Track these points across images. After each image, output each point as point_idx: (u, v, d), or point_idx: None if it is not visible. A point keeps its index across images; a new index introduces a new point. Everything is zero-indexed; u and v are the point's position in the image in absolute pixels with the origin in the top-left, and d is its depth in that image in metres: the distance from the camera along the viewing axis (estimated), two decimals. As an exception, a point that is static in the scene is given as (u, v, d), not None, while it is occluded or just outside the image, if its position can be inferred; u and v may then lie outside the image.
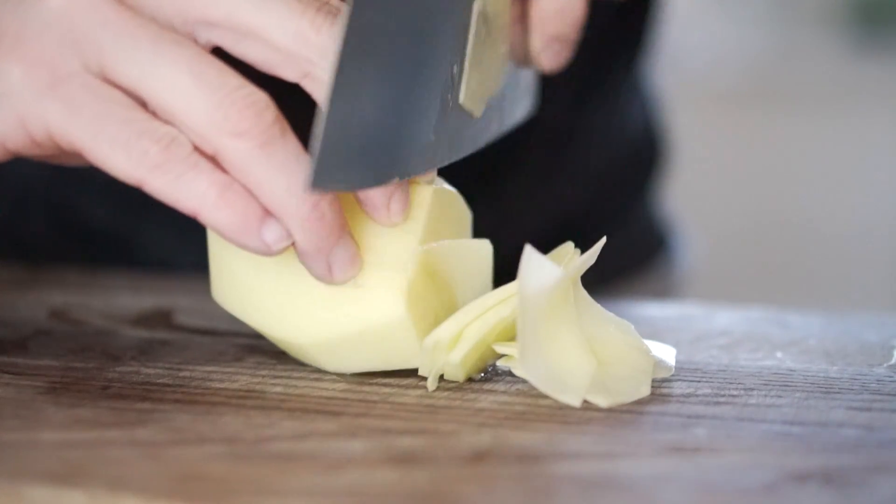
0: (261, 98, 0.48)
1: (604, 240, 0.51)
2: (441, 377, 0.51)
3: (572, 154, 0.82)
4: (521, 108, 0.58)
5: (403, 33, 0.48)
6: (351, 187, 0.49)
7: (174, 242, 0.72)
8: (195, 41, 0.49)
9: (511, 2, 0.55)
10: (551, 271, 0.49)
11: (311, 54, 0.48)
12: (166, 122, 0.48)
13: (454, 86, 0.51)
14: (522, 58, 0.57)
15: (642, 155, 0.88)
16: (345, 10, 0.46)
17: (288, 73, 0.49)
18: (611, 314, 0.52)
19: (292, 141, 0.48)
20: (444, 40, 0.50)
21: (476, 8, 0.52)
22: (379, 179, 0.49)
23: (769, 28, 2.48)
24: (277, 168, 0.47)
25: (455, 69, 0.51)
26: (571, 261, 0.51)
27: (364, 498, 0.40)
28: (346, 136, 0.47)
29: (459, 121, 0.52)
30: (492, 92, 0.54)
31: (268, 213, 0.48)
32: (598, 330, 0.51)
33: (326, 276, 0.50)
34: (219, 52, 0.49)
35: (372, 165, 0.48)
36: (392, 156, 0.49)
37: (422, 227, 0.51)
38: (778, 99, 2.41)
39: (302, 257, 0.49)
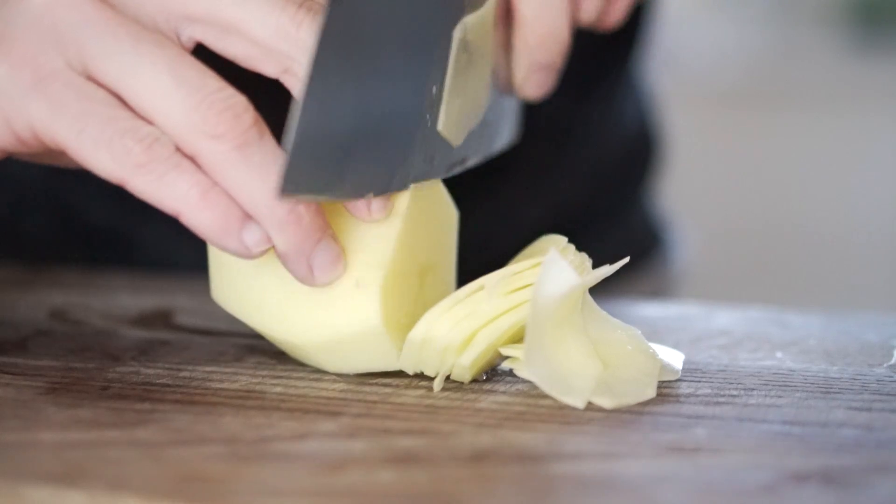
0: (239, 101, 0.48)
1: (626, 259, 0.51)
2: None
3: (569, 151, 0.83)
4: (503, 135, 0.58)
5: (378, 49, 0.48)
6: (322, 198, 0.48)
7: (174, 241, 0.72)
8: (178, 40, 0.49)
9: (495, 29, 0.55)
10: (569, 278, 0.49)
11: (291, 50, 0.48)
12: (148, 121, 0.48)
13: (433, 107, 0.51)
14: (506, 85, 0.57)
15: (638, 152, 0.89)
16: (317, 28, 0.46)
17: (268, 69, 0.49)
18: (617, 321, 0.52)
19: (270, 144, 0.48)
20: (423, 61, 0.50)
21: (457, 35, 0.52)
22: (352, 193, 0.49)
23: (769, 28, 2.48)
24: (254, 171, 0.47)
25: (434, 90, 0.51)
26: (583, 268, 0.51)
27: (364, 498, 0.40)
28: (317, 146, 0.47)
29: (438, 143, 0.52)
30: (472, 120, 0.54)
31: (249, 215, 0.48)
32: (604, 334, 0.51)
33: (308, 277, 0.50)
34: (204, 55, 0.49)
35: (345, 178, 0.48)
36: (366, 170, 0.49)
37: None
38: (777, 99, 2.41)
39: (282, 259, 0.49)
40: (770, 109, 2.40)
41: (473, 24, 0.53)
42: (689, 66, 2.33)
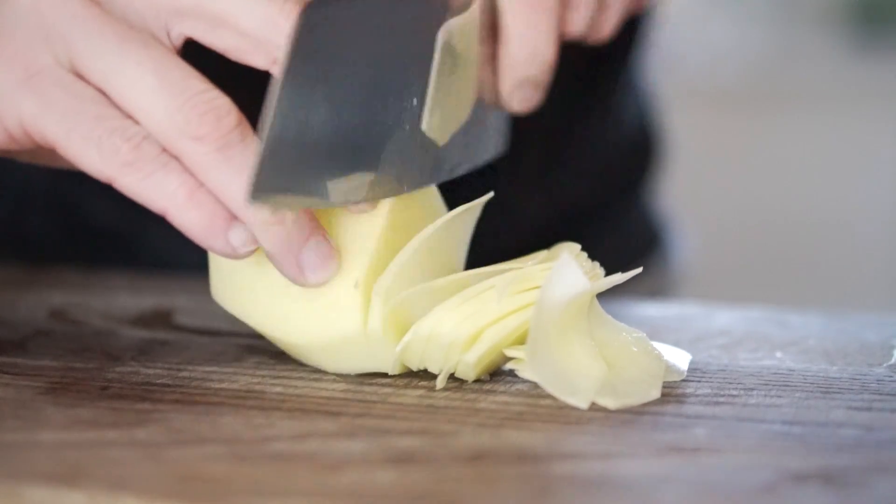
0: (223, 103, 0.48)
1: (640, 269, 0.51)
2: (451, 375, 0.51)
3: (569, 151, 0.83)
4: (491, 146, 0.58)
5: (356, 58, 0.48)
6: (297, 205, 0.48)
7: (176, 241, 0.72)
8: (167, 36, 0.49)
9: (481, 41, 0.55)
10: (578, 282, 0.49)
11: (279, 40, 0.48)
12: (134, 120, 0.48)
13: (414, 117, 0.51)
14: (492, 98, 0.57)
15: (638, 152, 0.89)
16: (290, 34, 0.46)
17: (258, 61, 0.49)
18: (622, 324, 0.52)
19: (253, 146, 0.48)
20: (404, 70, 0.50)
21: (441, 39, 0.52)
22: (327, 201, 0.49)
23: (769, 28, 2.48)
24: (236, 172, 0.48)
25: (415, 101, 0.51)
26: (594, 275, 0.51)
27: (364, 498, 0.40)
28: (289, 152, 0.47)
29: (419, 152, 0.52)
30: (457, 124, 0.54)
31: (235, 216, 0.48)
32: (609, 337, 0.51)
33: (298, 277, 0.50)
34: (195, 56, 0.50)
35: (318, 186, 0.48)
36: (343, 178, 0.49)
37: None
38: (777, 98, 2.41)
39: (271, 259, 0.49)
40: (770, 109, 2.40)
41: (458, 29, 0.52)
42: (689, 66, 2.33)
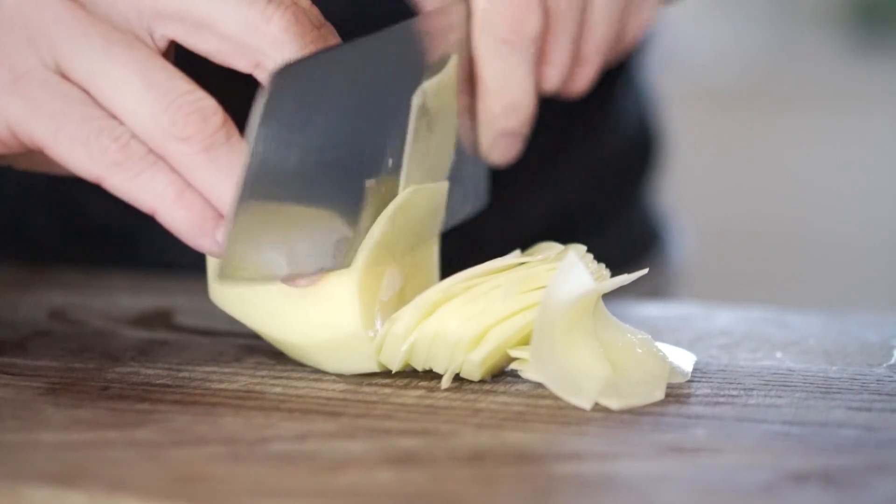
0: (208, 104, 0.48)
1: (646, 270, 0.51)
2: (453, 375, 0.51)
3: (569, 150, 0.83)
4: (471, 201, 0.58)
5: (330, 119, 0.48)
6: (261, 279, 0.49)
7: (176, 240, 0.73)
8: (150, 39, 0.49)
9: (458, 93, 0.55)
10: (584, 282, 0.49)
11: (261, 44, 0.49)
12: (119, 121, 0.48)
13: (391, 179, 0.51)
14: (473, 150, 0.57)
15: (638, 151, 0.88)
16: (256, 110, 0.46)
17: (240, 64, 0.50)
18: (627, 325, 0.52)
19: (238, 146, 0.48)
20: (378, 135, 0.50)
21: (416, 102, 0.52)
22: (301, 269, 0.49)
23: (769, 28, 2.48)
24: (223, 172, 0.48)
25: (390, 162, 0.51)
26: (600, 276, 0.51)
27: (364, 498, 0.40)
28: (260, 225, 0.47)
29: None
30: (436, 181, 0.54)
31: (223, 215, 0.48)
32: (614, 338, 0.51)
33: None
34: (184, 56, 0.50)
35: (290, 255, 0.49)
36: (314, 245, 0.50)
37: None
38: (777, 98, 2.41)
39: None
40: (770, 109, 2.40)
41: (433, 89, 0.53)
42: (689, 66, 2.33)
